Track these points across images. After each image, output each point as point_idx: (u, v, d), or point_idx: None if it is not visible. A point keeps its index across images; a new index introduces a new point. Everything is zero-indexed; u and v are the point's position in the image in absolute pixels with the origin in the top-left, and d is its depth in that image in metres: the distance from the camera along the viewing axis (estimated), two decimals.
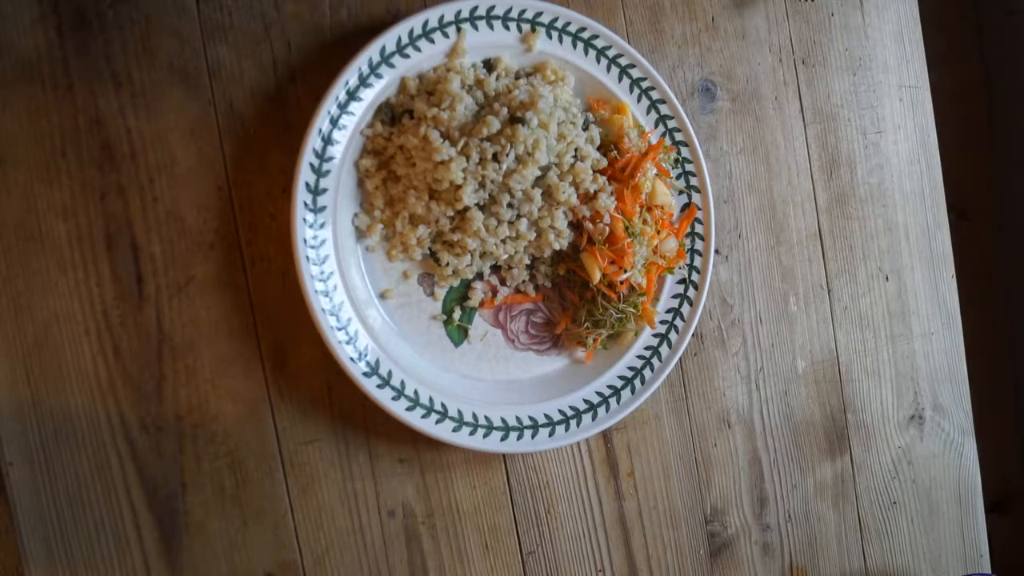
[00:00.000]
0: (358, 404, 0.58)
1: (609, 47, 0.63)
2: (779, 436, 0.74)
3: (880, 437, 0.79)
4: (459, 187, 0.56)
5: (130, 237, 0.53)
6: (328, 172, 0.55)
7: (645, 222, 0.63)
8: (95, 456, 0.52)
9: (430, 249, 0.60)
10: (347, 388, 0.56)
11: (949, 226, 0.84)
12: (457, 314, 0.61)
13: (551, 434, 0.61)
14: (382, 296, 0.59)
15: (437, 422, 0.57)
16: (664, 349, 0.65)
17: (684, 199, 0.67)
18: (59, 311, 0.52)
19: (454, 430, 0.58)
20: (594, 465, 0.66)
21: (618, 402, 0.63)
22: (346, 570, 0.58)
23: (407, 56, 0.57)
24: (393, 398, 0.56)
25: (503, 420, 0.60)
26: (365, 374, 0.55)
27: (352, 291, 0.56)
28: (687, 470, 0.70)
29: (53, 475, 0.51)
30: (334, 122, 0.55)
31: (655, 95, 0.65)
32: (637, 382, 0.64)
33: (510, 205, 0.58)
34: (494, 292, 0.62)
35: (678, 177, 0.67)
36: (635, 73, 0.64)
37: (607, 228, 0.61)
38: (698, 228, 0.67)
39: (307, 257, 0.54)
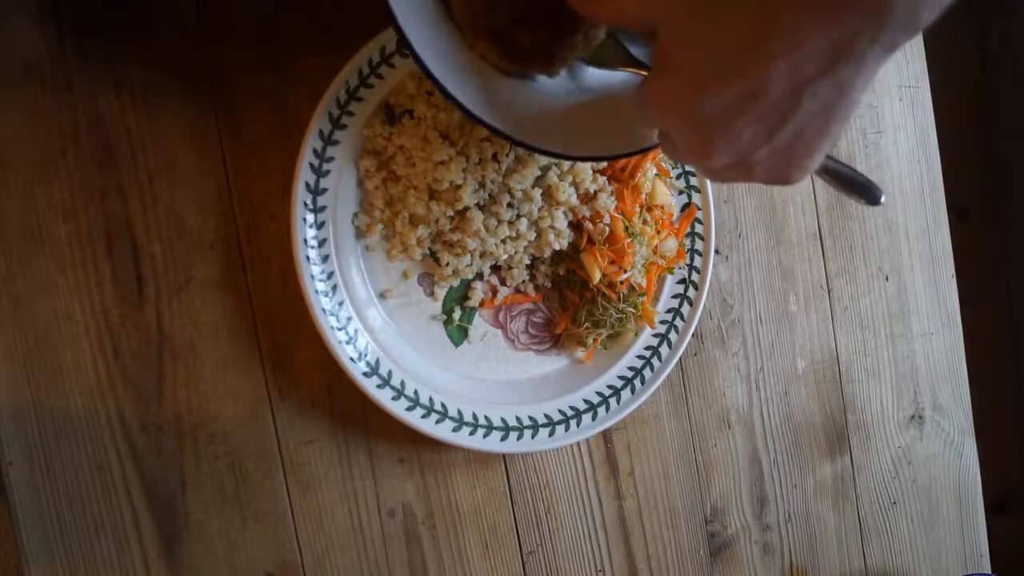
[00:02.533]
0: (358, 404, 0.58)
1: None
2: (779, 436, 0.74)
3: (880, 437, 0.79)
4: (459, 187, 0.56)
5: (130, 237, 0.53)
6: (328, 172, 0.55)
7: (645, 222, 0.63)
8: (95, 456, 0.52)
9: (430, 249, 0.60)
10: (347, 388, 0.56)
11: (949, 226, 0.84)
12: (457, 314, 0.61)
13: (551, 434, 0.61)
14: (382, 296, 0.59)
15: (437, 422, 0.57)
16: (664, 349, 0.65)
17: (684, 199, 0.67)
18: (59, 311, 0.52)
19: (454, 430, 0.58)
20: (594, 465, 0.66)
21: (618, 402, 0.63)
22: (346, 570, 0.58)
23: (407, 56, 0.57)
24: (393, 398, 0.56)
25: (503, 420, 0.60)
26: (365, 374, 0.55)
27: (352, 291, 0.56)
28: (687, 470, 0.70)
29: (53, 475, 0.51)
30: (334, 122, 0.55)
31: None
32: (637, 382, 0.64)
33: (510, 205, 0.58)
34: (494, 292, 0.62)
35: (678, 177, 0.67)
36: None
37: (607, 228, 0.61)
38: (698, 228, 0.67)
39: (307, 257, 0.54)
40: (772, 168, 0.38)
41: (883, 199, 0.47)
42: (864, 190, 0.47)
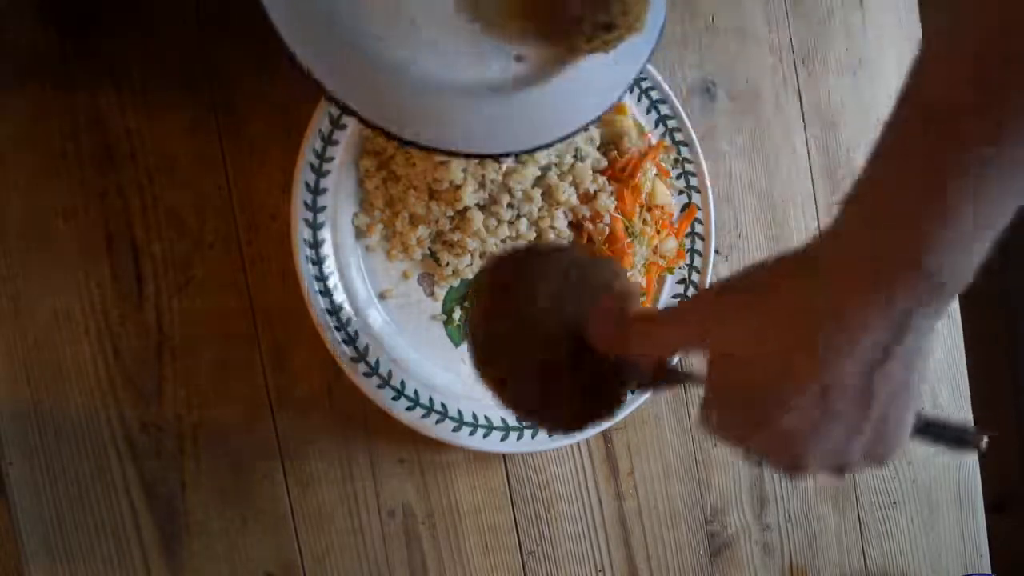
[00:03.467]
0: (358, 404, 0.58)
1: None
2: None
3: None
4: (459, 187, 0.56)
5: (130, 237, 0.53)
6: (328, 172, 0.55)
7: (645, 222, 0.63)
8: (95, 456, 0.52)
9: (430, 249, 0.60)
10: (347, 388, 0.56)
11: None
12: (457, 314, 0.61)
13: (551, 434, 0.61)
14: (382, 296, 0.59)
15: (437, 422, 0.57)
16: None
17: (684, 199, 0.67)
18: (59, 311, 0.52)
19: (454, 430, 0.58)
20: (594, 465, 0.66)
21: None
22: (346, 570, 0.58)
23: None
24: (393, 398, 0.56)
25: (503, 420, 0.60)
26: (365, 374, 0.55)
27: (352, 291, 0.56)
28: (687, 470, 0.70)
29: (53, 475, 0.51)
30: (334, 122, 0.55)
31: (655, 95, 0.65)
32: None
33: (510, 205, 0.58)
34: None
35: (678, 177, 0.67)
36: None
37: (607, 228, 0.61)
38: (698, 228, 0.67)
39: (307, 257, 0.54)
40: (870, 456, 0.36)
41: (984, 443, 0.41)
42: (961, 440, 0.42)
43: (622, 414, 0.55)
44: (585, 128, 0.50)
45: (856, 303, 0.31)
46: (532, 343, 0.42)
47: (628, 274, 0.62)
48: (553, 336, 0.41)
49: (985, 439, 0.41)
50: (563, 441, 0.61)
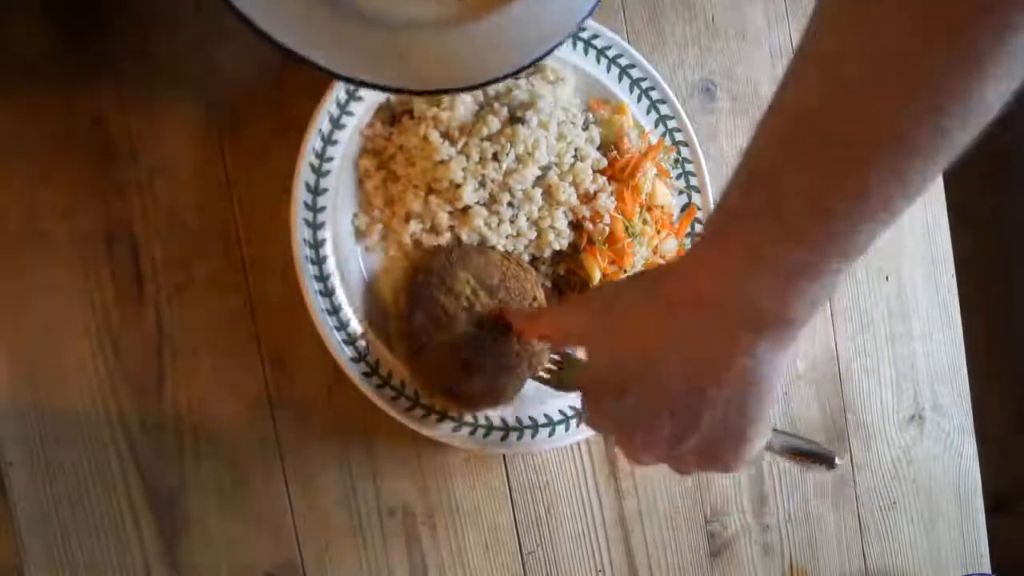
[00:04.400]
0: (358, 404, 0.57)
1: (609, 47, 0.63)
2: None
3: (880, 437, 0.79)
4: (459, 186, 0.56)
5: (130, 237, 0.53)
6: (328, 172, 0.55)
7: (645, 222, 0.63)
8: (95, 456, 0.52)
9: None
10: (347, 388, 0.56)
11: (949, 226, 0.84)
12: None
13: (551, 434, 0.61)
14: None
15: (437, 422, 0.57)
16: None
17: (684, 199, 0.67)
18: (59, 311, 0.52)
19: (454, 430, 0.58)
20: (594, 465, 0.66)
21: None
22: (346, 570, 0.58)
23: None
24: (393, 398, 0.56)
25: (503, 420, 0.60)
26: (365, 374, 0.55)
27: (352, 291, 0.56)
28: None
29: (53, 475, 0.51)
30: (334, 122, 0.55)
31: (655, 95, 0.65)
32: None
33: (510, 204, 0.58)
34: None
35: (678, 177, 0.67)
36: (635, 73, 0.64)
37: (607, 228, 0.61)
38: (698, 228, 0.67)
39: (307, 257, 0.54)
40: (706, 459, 0.41)
41: (838, 461, 0.49)
42: (818, 458, 0.50)
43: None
44: (530, 66, 0.50)
45: (686, 323, 0.37)
46: (450, 319, 0.54)
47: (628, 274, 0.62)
48: (467, 317, 0.54)
49: (838, 460, 0.49)
50: (562, 441, 0.61)
